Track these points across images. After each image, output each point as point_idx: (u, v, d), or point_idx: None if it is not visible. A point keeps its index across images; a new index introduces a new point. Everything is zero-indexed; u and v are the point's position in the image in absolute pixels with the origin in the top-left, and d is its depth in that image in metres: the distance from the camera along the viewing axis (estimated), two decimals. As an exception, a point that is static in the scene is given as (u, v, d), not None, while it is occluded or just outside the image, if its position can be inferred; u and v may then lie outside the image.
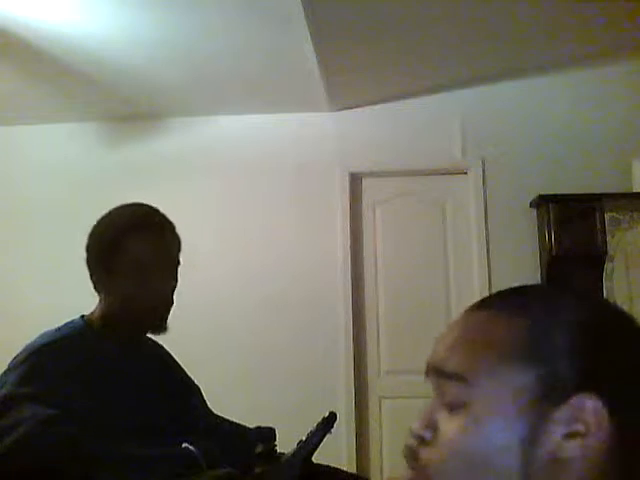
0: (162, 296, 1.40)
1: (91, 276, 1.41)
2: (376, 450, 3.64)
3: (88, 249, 1.41)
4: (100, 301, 1.42)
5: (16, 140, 4.01)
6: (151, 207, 1.44)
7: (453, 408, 0.59)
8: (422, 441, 0.61)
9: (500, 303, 0.64)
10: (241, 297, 3.73)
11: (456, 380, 0.59)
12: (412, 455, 0.62)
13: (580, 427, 0.55)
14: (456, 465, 0.57)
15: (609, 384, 0.56)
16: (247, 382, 3.64)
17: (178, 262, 1.43)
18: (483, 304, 0.65)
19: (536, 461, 0.55)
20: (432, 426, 0.61)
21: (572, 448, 0.55)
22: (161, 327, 1.41)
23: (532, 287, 0.69)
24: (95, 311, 1.43)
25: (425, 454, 0.60)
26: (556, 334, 0.58)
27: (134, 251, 1.36)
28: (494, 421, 0.57)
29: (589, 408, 0.55)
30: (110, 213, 1.44)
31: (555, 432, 0.55)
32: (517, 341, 0.58)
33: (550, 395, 0.56)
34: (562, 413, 0.55)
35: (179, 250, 1.44)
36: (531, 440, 0.55)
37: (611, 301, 0.65)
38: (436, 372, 0.63)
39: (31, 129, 3.99)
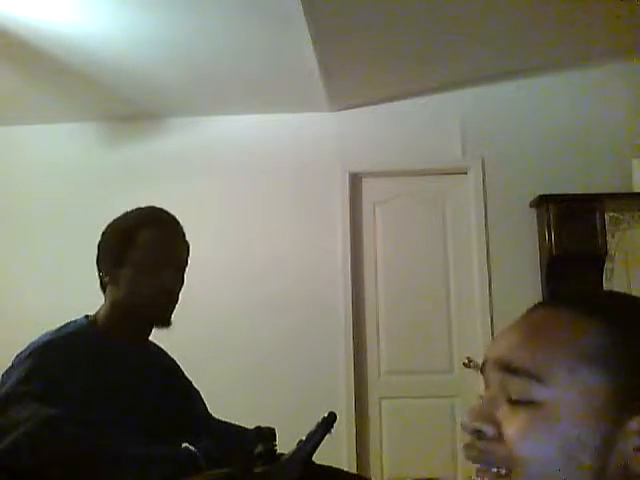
0: (169, 290, 1.43)
1: (100, 273, 1.44)
2: (376, 450, 3.64)
3: (100, 245, 1.45)
4: (107, 298, 1.44)
5: (16, 140, 4.01)
6: (161, 209, 1.49)
7: (520, 405, 0.57)
8: (482, 437, 0.59)
9: (576, 303, 0.61)
10: (241, 297, 3.73)
11: (528, 378, 0.57)
12: (475, 452, 0.59)
13: None
14: (526, 466, 0.56)
15: None
16: (247, 382, 3.64)
17: (186, 264, 1.48)
18: (555, 302, 0.63)
19: (608, 468, 0.54)
20: (493, 422, 0.59)
21: None
22: (166, 320, 1.43)
23: (607, 293, 0.67)
24: (100, 310, 1.44)
25: (492, 450, 0.58)
26: (634, 342, 0.56)
27: (145, 245, 1.41)
28: (567, 424, 0.55)
29: None
30: (124, 213, 1.49)
31: (629, 443, 0.54)
32: (595, 345, 0.56)
33: (625, 404, 0.54)
34: (637, 424, 0.54)
35: (187, 254, 1.49)
36: (603, 446, 0.54)
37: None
38: (502, 367, 0.60)
39: (31, 129, 3.99)
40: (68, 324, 1.40)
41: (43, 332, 1.38)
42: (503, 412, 0.59)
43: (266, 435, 1.25)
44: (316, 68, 3.19)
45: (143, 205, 1.51)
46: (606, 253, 3.43)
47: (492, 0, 2.80)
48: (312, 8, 2.59)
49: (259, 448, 1.22)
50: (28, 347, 1.31)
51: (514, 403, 0.58)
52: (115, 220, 1.48)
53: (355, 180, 3.82)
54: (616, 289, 3.48)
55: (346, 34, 2.98)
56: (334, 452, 3.25)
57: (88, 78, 3.31)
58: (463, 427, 0.61)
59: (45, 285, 3.80)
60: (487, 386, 0.62)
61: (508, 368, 0.59)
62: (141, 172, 3.89)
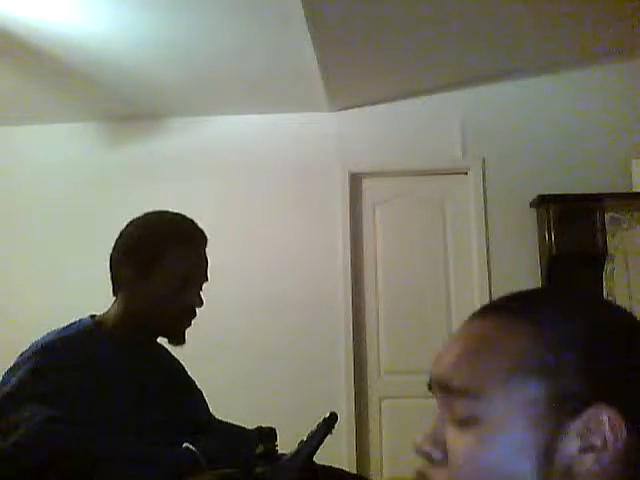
0: (192, 310, 1.40)
1: (116, 275, 1.39)
2: (376, 450, 3.64)
3: (119, 246, 1.39)
4: (119, 301, 1.40)
5: (16, 140, 4.01)
6: (191, 219, 1.44)
7: (463, 424, 0.57)
8: (431, 460, 0.59)
9: (505, 310, 0.61)
10: (241, 297, 3.73)
11: (465, 396, 0.57)
12: (424, 478, 0.59)
13: (596, 440, 0.53)
14: None
15: (625, 395, 0.55)
16: (248, 382, 3.64)
17: (207, 279, 1.44)
18: (486, 311, 0.63)
19: (552, 475, 0.53)
20: (440, 444, 0.59)
21: (588, 462, 0.53)
22: (182, 339, 1.41)
23: (537, 292, 0.66)
24: (109, 312, 1.41)
25: (438, 475, 0.58)
26: (567, 344, 0.56)
27: (177, 262, 1.36)
28: (506, 437, 0.55)
29: (605, 421, 0.53)
30: (151, 216, 1.43)
31: (570, 445, 0.54)
32: (527, 352, 0.56)
33: (564, 407, 0.54)
34: (577, 426, 0.54)
35: (207, 267, 1.44)
36: (546, 454, 0.54)
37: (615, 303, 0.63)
38: (442, 388, 0.60)
39: (31, 129, 3.99)
40: (73, 324, 1.39)
41: (44, 331, 1.37)
42: (449, 433, 0.58)
43: (267, 435, 1.26)
44: (316, 68, 3.19)
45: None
46: (606, 253, 3.43)
47: (492, 0, 2.80)
48: (312, 8, 2.59)
49: (260, 448, 1.23)
50: (31, 346, 1.31)
51: (458, 422, 0.58)
52: (139, 221, 1.42)
53: (355, 180, 3.82)
54: (616, 289, 3.49)
55: (346, 34, 2.98)
56: (334, 452, 3.24)
57: (88, 78, 3.31)
58: (415, 449, 0.61)
59: (46, 285, 3.80)
60: (437, 405, 0.62)
61: (447, 389, 0.59)
62: (141, 172, 3.89)
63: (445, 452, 0.58)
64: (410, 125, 3.82)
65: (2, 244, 3.90)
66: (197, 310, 1.43)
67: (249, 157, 3.87)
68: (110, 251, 1.42)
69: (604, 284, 3.47)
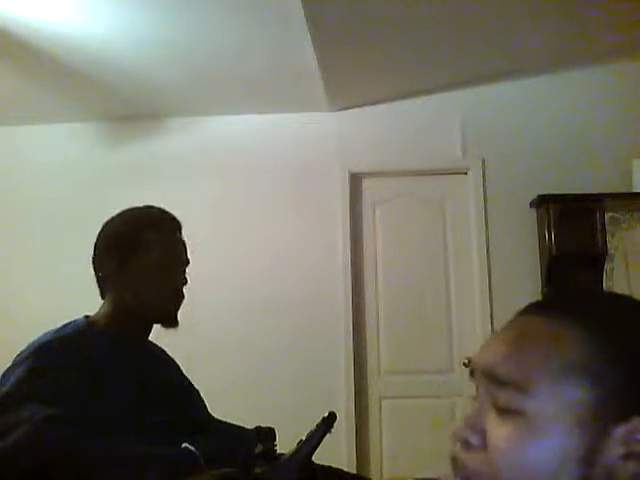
0: (177, 290, 1.44)
1: (98, 274, 1.43)
2: (376, 450, 3.64)
3: (98, 246, 1.44)
4: (108, 299, 1.43)
5: (16, 140, 4.01)
6: (160, 208, 1.49)
7: (506, 414, 0.57)
8: (468, 446, 0.59)
9: (561, 310, 0.61)
10: (241, 297, 3.73)
11: (512, 388, 0.57)
12: (460, 464, 0.60)
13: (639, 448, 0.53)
14: (508, 475, 0.56)
15: None
16: (247, 382, 3.64)
17: (188, 261, 1.48)
18: (541, 308, 0.63)
19: (593, 478, 0.54)
20: (479, 430, 0.59)
21: (631, 468, 0.54)
22: (174, 320, 1.44)
23: (594, 295, 0.67)
24: (100, 311, 1.44)
25: (474, 461, 0.58)
26: (619, 350, 0.56)
27: (151, 246, 1.41)
28: (551, 434, 0.55)
29: None
30: (122, 213, 1.48)
31: (613, 451, 0.54)
32: (579, 354, 0.56)
33: (610, 413, 0.54)
34: (622, 432, 0.54)
35: (187, 250, 1.49)
36: (588, 456, 0.54)
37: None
38: (488, 376, 0.60)
39: (31, 129, 3.99)
40: (68, 324, 1.40)
41: (43, 332, 1.37)
42: (490, 421, 0.59)
43: (266, 435, 1.26)
44: (316, 68, 3.19)
45: (142, 204, 1.51)
46: (606, 253, 3.43)
47: (492, 0, 2.80)
48: (312, 8, 2.59)
49: (259, 448, 1.23)
50: (28, 347, 1.31)
51: (500, 412, 0.58)
52: (112, 220, 1.47)
53: (355, 180, 3.82)
54: (616, 289, 3.49)
55: (346, 34, 2.98)
56: (334, 452, 3.25)
57: (88, 78, 3.31)
58: (453, 436, 0.61)
59: (45, 285, 3.80)
60: (477, 392, 0.62)
61: (494, 379, 0.59)
62: (141, 172, 3.89)
63: (484, 439, 0.58)
64: (410, 125, 3.82)
65: (2, 244, 3.90)
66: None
67: (249, 157, 3.87)
68: None
69: (604, 284, 3.47)
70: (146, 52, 3.05)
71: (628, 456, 0.54)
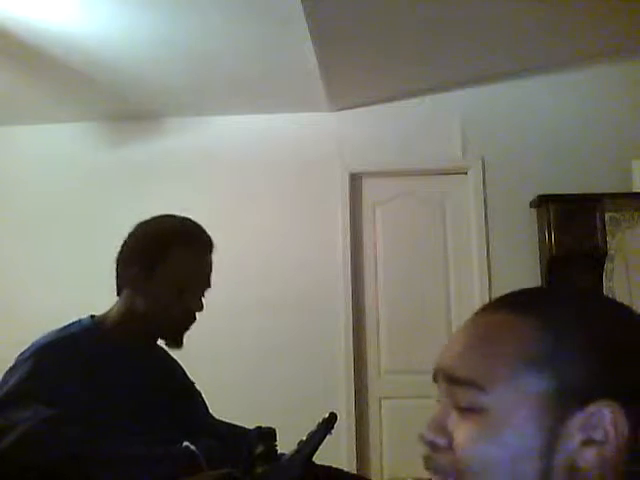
0: (190, 313, 1.41)
1: (121, 274, 1.40)
2: (376, 450, 3.64)
3: (127, 245, 1.40)
4: (122, 300, 1.41)
5: (16, 140, 4.01)
6: (199, 225, 1.45)
7: (467, 413, 0.59)
8: (436, 448, 0.60)
9: (513, 305, 0.62)
10: (240, 297, 3.73)
11: (470, 386, 0.59)
12: (432, 464, 0.61)
13: (598, 435, 0.54)
14: (474, 472, 0.57)
15: (628, 391, 0.56)
16: (247, 382, 3.64)
17: (209, 285, 1.44)
18: (494, 306, 0.64)
19: (554, 468, 0.55)
20: (445, 432, 0.60)
21: (590, 456, 0.54)
22: (178, 342, 1.42)
23: (545, 289, 0.68)
24: (111, 311, 1.42)
25: (443, 461, 0.59)
26: (573, 339, 0.57)
27: (181, 265, 1.37)
28: (511, 428, 0.56)
29: (608, 416, 0.54)
30: (160, 219, 1.44)
31: (572, 439, 0.55)
32: (533, 346, 0.57)
33: (568, 402, 0.55)
34: (580, 420, 0.55)
35: (211, 274, 1.45)
36: (548, 447, 0.55)
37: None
38: (447, 378, 0.61)
39: (31, 129, 3.99)
40: (73, 324, 1.39)
41: (44, 331, 1.37)
42: (453, 421, 0.60)
43: (266, 435, 1.26)
44: (316, 68, 3.19)
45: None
46: (606, 253, 3.43)
47: (492, 0, 2.80)
48: (312, 8, 2.59)
49: (259, 448, 1.22)
50: (30, 347, 1.31)
51: (462, 411, 0.59)
52: (148, 223, 1.43)
53: (355, 180, 3.82)
54: (616, 289, 3.49)
55: (346, 34, 2.98)
56: (334, 452, 3.25)
57: (88, 78, 3.31)
58: (420, 439, 0.62)
59: (46, 284, 3.80)
60: (440, 395, 0.63)
61: (451, 378, 0.61)
62: (141, 172, 3.89)
63: (449, 439, 0.60)
64: (410, 125, 3.82)
65: (2, 244, 3.90)
66: (202, 313, 1.43)
67: (249, 157, 3.87)
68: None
69: (604, 284, 3.47)
70: (146, 52, 3.05)
71: (586, 443, 0.54)
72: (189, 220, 1.45)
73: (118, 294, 1.42)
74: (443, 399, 0.62)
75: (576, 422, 0.55)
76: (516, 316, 0.60)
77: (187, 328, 1.42)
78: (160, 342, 1.48)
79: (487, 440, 0.57)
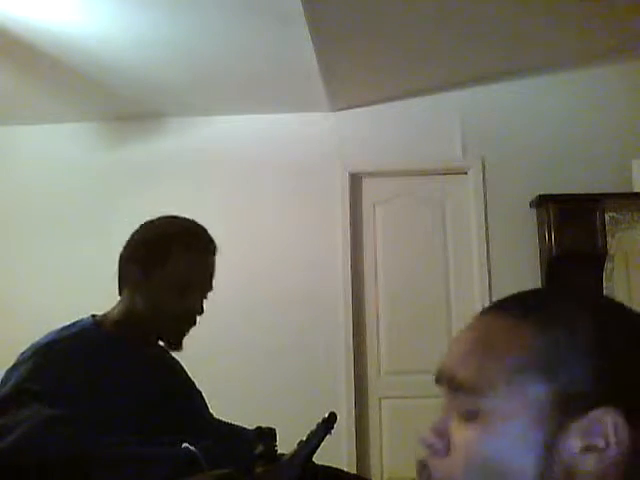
0: (194, 317, 1.41)
1: (123, 274, 1.40)
2: (376, 450, 3.64)
3: (130, 245, 1.41)
4: (122, 300, 1.41)
5: (16, 140, 4.01)
6: (202, 227, 1.45)
7: (467, 417, 0.58)
8: (434, 451, 0.60)
9: (514, 309, 0.61)
10: (240, 297, 3.73)
11: (470, 390, 0.58)
12: (425, 468, 0.60)
13: (599, 441, 0.54)
14: (470, 477, 0.57)
15: (630, 398, 0.55)
16: (247, 382, 3.64)
17: (211, 288, 1.44)
18: (496, 309, 0.63)
19: (552, 474, 0.54)
20: (444, 435, 0.60)
21: (589, 462, 0.54)
22: (178, 344, 1.41)
23: (546, 292, 0.67)
24: (112, 311, 1.42)
25: (439, 466, 0.59)
26: (574, 345, 0.56)
27: (181, 264, 1.37)
28: (510, 432, 0.56)
29: (608, 422, 0.54)
30: (163, 219, 1.44)
31: (572, 445, 0.54)
32: (533, 351, 0.57)
33: (568, 407, 0.55)
34: (580, 426, 0.54)
35: (213, 276, 1.44)
36: (547, 453, 0.54)
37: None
38: (448, 381, 0.61)
39: (31, 129, 3.99)
40: (74, 324, 1.39)
41: (45, 331, 1.37)
42: (453, 426, 0.60)
43: (266, 435, 1.26)
44: (316, 68, 3.19)
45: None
46: (606, 253, 3.43)
47: (492, 0, 2.80)
48: (312, 8, 2.59)
49: (259, 448, 1.23)
50: (31, 346, 1.31)
51: (462, 415, 0.59)
52: (151, 223, 1.43)
53: (355, 180, 3.82)
54: (616, 289, 3.49)
55: (346, 34, 2.98)
56: (334, 452, 3.25)
57: (88, 78, 3.31)
58: (419, 442, 0.62)
59: (46, 284, 3.80)
60: (444, 398, 0.63)
61: (452, 383, 0.60)
62: (141, 172, 3.89)
63: (448, 444, 0.59)
64: (410, 125, 3.82)
65: (2, 243, 3.90)
66: (205, 316, 1.42)
67: (249, 157, 3.87)
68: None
69: (604, 284, 3.47)
70: (146, 52, 3.05)
71: (587, 450, 0.54)
72: (192, 222, 1.45)
73: (120, 293, 1.43)
74: (445, 402, 0.62)
75: (577, 428, 0.54)
76: (517, 320, 0.59)
77: (186, 330, 1.42)
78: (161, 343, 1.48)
79: (484, 444, 0.56)
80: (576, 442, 0.54)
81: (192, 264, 1.39)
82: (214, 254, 1.44)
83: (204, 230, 1.44)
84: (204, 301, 1.43)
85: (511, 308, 0.62)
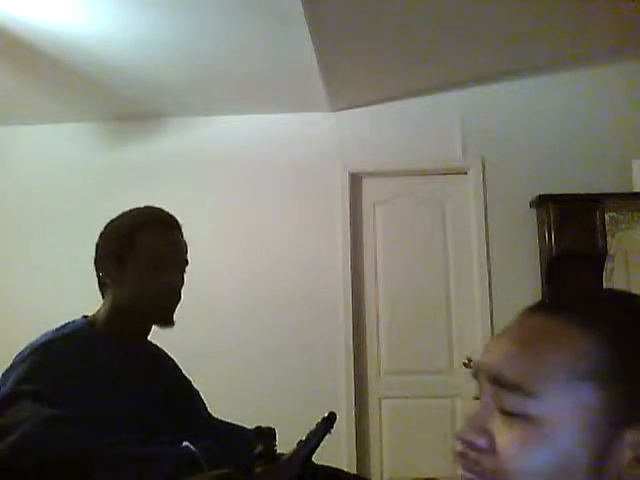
0: (172, 290, 1.43)
1: (99, 274, 1.44)
2: (376, 450, 3.64)
3: (99, 246, 1.45)
4: (107, 299, 1.44)
5: (16, 140, 4.01)
6: (159, 207, 1.50)
7: (512, 418, 0.57)
8: (477, 448, 0.59)
9: (569, 311, 0.60)
10: (240, 297, 3.73)
11: (518, 391, 0.57)
12: (469, 461, 0.59)
13: None
14: (519, 478, 0.55)
15: None
16: (247, 382, 3.64)
17: (186, 262, 1.48)
18: (548, 308, 0.61)
19: None
20: (485, 433, 0.58)
21: (639, 475, 0.53)
22: (169, 320, 1.43)
23: (603, 296, 0.66)
24: (99, 311, 1.44)
25: (486, 464, 0.58)
26: (629, 353, 0.56)
27: (148, 245, 1.41)
28: (560, 439, 0.55)
29: None
30: (122, 214, 1.49)
31: (622, 457, 0.54)
32: (587, 358, 0.56)
33: (619, 417, 0.54)
34: (631, 438, 0.53)
35: (186, 251, 1.49)
36: (597, 462, 0.54)
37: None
38: (494, 379, 0.59)
39: (31, 129, 3.99)
40: (67, 324, 1.40)
41: (42, 331, 1.38)
42: (496, 423, 0.58)
43: (266, 435, 1.26)
44: (316, 68, 3.19)
45: (143, 204, 1.51)
46: (606, 253, 3.43)
47: (492, 1, 2.80)
48: (312, 8, 2.59)
49: (259, 448, 1.23)
50: (27, 347, 1.31)
51: (507, 415, 0.57)
52: (113, 221, 1.47)
53: (355, 180, 3.82)
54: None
55: (346, 34, 2.98)
56: (334, 452, 3.25)
57: (88, 78, 3.31)
58: (457, 438, 0.60)
59: (45, 285, 3.80)
60: (481, 393, 0.61)
61: (499, 381, 0.58)
62: (141, 172, 3.89)
63: (491, 442, 0.58)
64: (410, 125, 3.82)
65: (2, 244, 3.90)
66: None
67: (249, 157, 3.87)
68: None
69: (604, 284, 3.47)
70: (146, 52, 3.05)
71: (637, 462, 0.53)
72: (150, 207, 1.50)
73: (103, 296, 1.45)
74: (484, 399, 0.60)
75: (628, 439, 0.53)
76: (572, 324, 0.58)
77: (172, 305, 1.44)
78: (156, 337, 1.48)
79: (533, 449, 0.55)
80: (627, 454, 0.53)
81: (159, 241, 1.43)
82: (179, 229, 1.49)
83: (161, 209, 1.49)
84: (184, 275, 1.46)
85: (564, 311, 0.60)
